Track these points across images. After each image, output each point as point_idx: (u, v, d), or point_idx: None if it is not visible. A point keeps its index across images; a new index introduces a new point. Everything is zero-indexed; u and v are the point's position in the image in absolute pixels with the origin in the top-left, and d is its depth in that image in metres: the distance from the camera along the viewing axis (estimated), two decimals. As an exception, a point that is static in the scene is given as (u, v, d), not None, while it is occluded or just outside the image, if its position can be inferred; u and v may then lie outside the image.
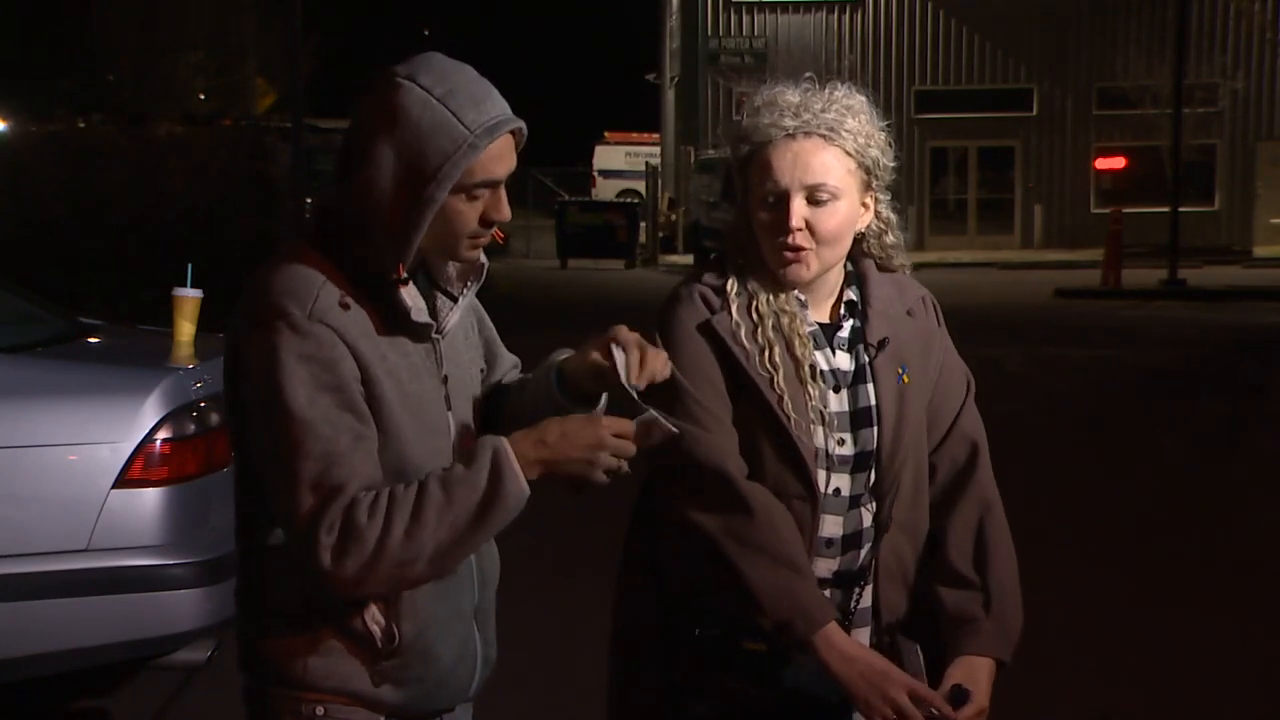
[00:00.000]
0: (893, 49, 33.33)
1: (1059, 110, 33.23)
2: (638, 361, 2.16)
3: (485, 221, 2.13)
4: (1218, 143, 32.50)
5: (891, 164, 2.45)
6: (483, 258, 2.23)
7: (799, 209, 2.35)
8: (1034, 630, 5.94)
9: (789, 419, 2.37)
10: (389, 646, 2.13)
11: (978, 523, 2.52)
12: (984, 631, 2.44)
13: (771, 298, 2.42)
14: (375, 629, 2.12)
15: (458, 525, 2.02)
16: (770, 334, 2.40)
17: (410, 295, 2.13)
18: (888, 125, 2.46)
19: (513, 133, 2.12)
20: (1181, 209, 24.12)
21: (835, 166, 2.37)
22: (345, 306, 2.09)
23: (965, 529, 2.51)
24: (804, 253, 2.37)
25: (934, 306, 2.58)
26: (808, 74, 2.46)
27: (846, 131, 2.38)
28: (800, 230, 2.35)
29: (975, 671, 2.41)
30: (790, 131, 2.37)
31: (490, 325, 2.45)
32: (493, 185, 2.11)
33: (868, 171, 2.42)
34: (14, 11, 27.81)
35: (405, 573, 2.03)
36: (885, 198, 2.49)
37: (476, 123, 2.05)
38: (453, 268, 2.25)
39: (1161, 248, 23.76)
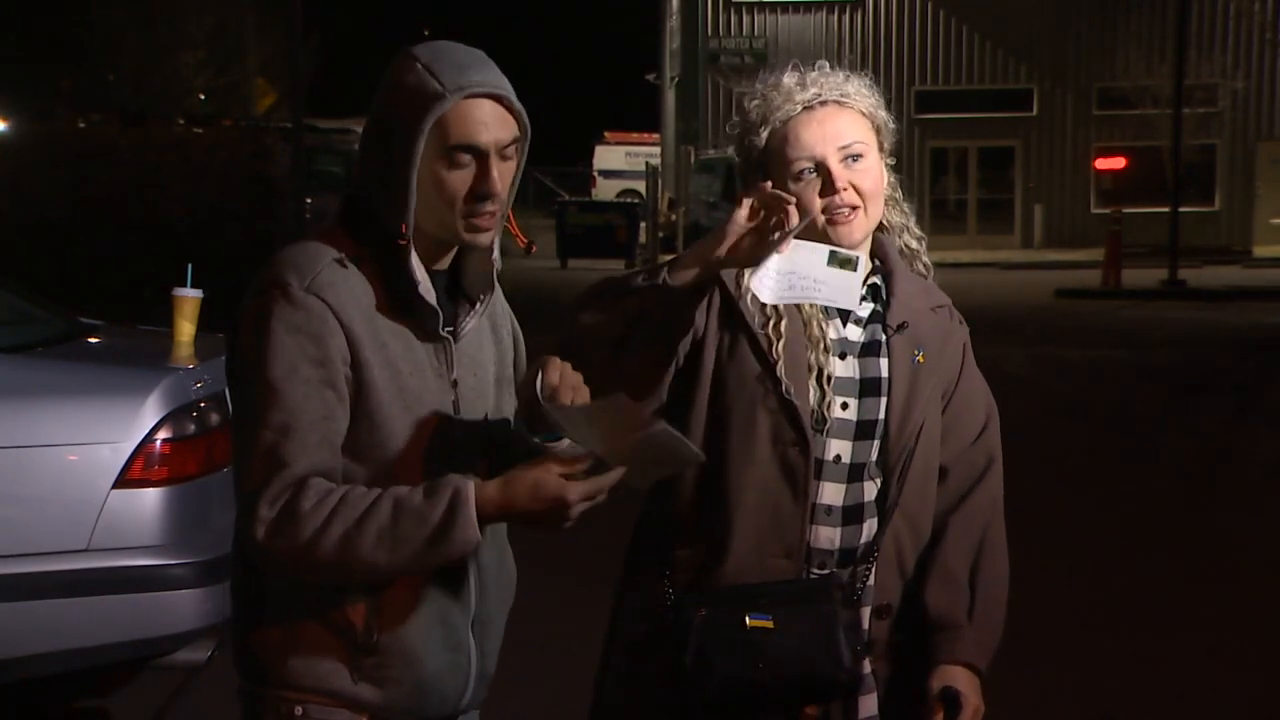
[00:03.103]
0: (893, 49, 33.33)
1: (1059, 110, 33.24)
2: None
3: (475, 194, 2.12)
4: (1218, 143, 32.50)
5: (893, 125, 2.53)
6: (497, 259, 2.23)
7: (840, 171, 2.41)
8: (1034, 630, 5.94)
9: (778, 361, 2.39)
10: (367, 643, 2.13)
11: (982, 529, 2.55)
12: (964, 639, 2.47)
13: None
14: (356, 625, 2.12)
15: (397, 552, 2.02)
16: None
17: (421, 273, 2.14)
18: (873, 80, 2.52)
19: (506, 107, 2.13)
20: (1181, 209, 24.12)
21: (858, 124, 2.45)
22: (343, 265, 2.11)
23: (970, 531, 2.54)
24: (855, 210, 2.42)
25: (959, 319, 2.61)
26: (792, 60, 2.51)
27: (857, 95, 2.47)
28: (846, 189, 2.40)
29: (956, 679, 2.45)
30: (808, 103, 2.43)
31: (523, 355, 2.42)
32: (475, 152, 2.11)
33: (879, 132, 2.49)
34: (14, 11, 27.82)
35: (334, 574, 2.05)
36: (894, 179, 2.54)
37: (452, 81, 2.09)
38: (472, 274, 2.24)
39: (1161, 248, 23.75)
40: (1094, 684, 5.40)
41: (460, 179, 2.11)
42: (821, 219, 2.40)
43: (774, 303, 2.31)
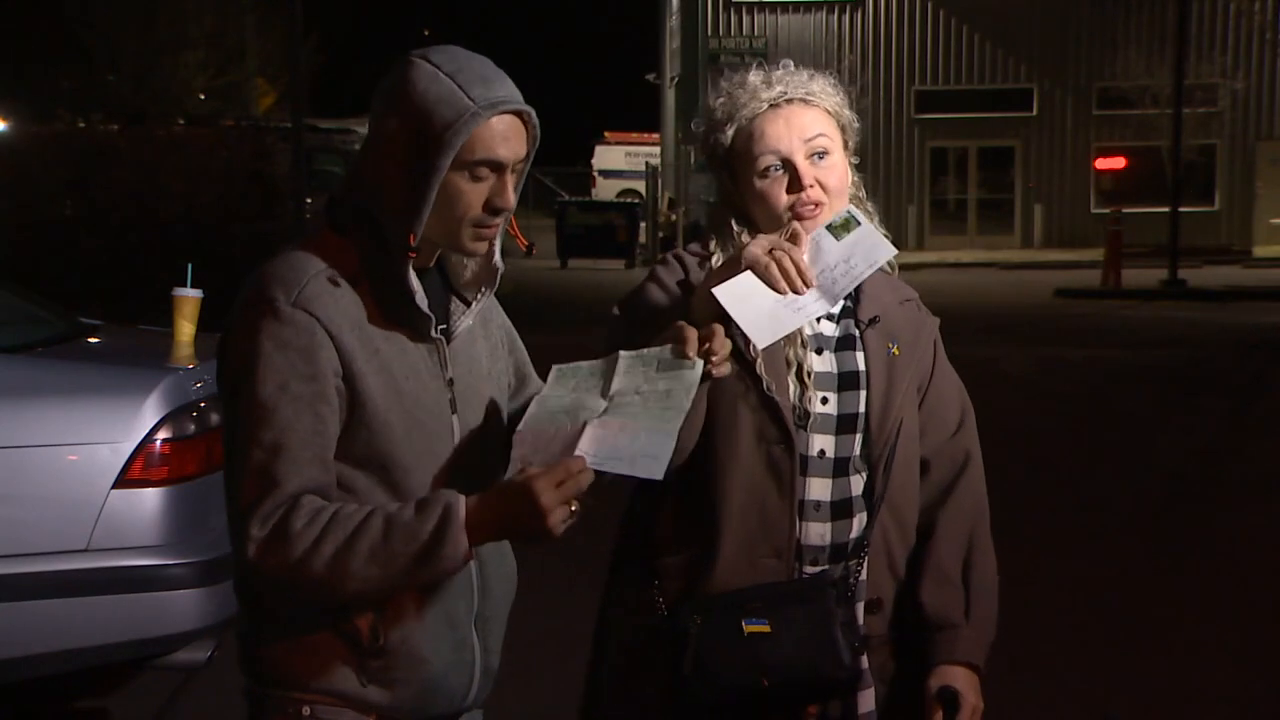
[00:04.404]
0: (893, 49, 33.34)
1: (1059, 110, 33.24)
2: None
3: (490, 208, 2.12)
4: (1218, 143, 32.51)
5: (857, 124, 2.53)
6: (499, 262, 2.23)
7: (806, 167, 2.41)
8: (1034, 630, 5.91)
9: (757, 358, 2.39)
10: (374, 646, 2.13)
11: (971, 526, 2.55)
12: (962, 638, 2.48)
13: None
14: (361, 628, 2.13)
15: (389, 569, 2.01)
16: None
17: (416, 281, 2.13)
18: (836, 76, 2.53)
19: (524, 122, 2.13)
20: (1181, 209, 24.14)
21: (823, 121, 2.45)
22: (335, 283, 2.10)
23: (960, 529, 2.54)
24: (820, 207, 2.42)
25: (927, 312, 2.61)
26: (757, 60, 2.52)
27: (822, 93, 2.47)
28: (813, 186, 2.41)
29: (955, 679, 2.45)
30: (773, 101, 2.44)
31: (521, 348, 2.44)
32: (495, 167, 2.11)
33: (843, 130, 2.49)
34: (15, 11, 27.84)
35: (327, 592, 2.04)
36: (858, 178, 2.55)
37: (482, 97, 2.08)
38: (469, 272, 2.25)
39: (1161, 248, 23.78)
40: (1094, 684, 5.40)
41: (478, 193, 2.11)
42: (788, 216, 2.41)
43: (836, 306, 2.32)
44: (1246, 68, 32.54)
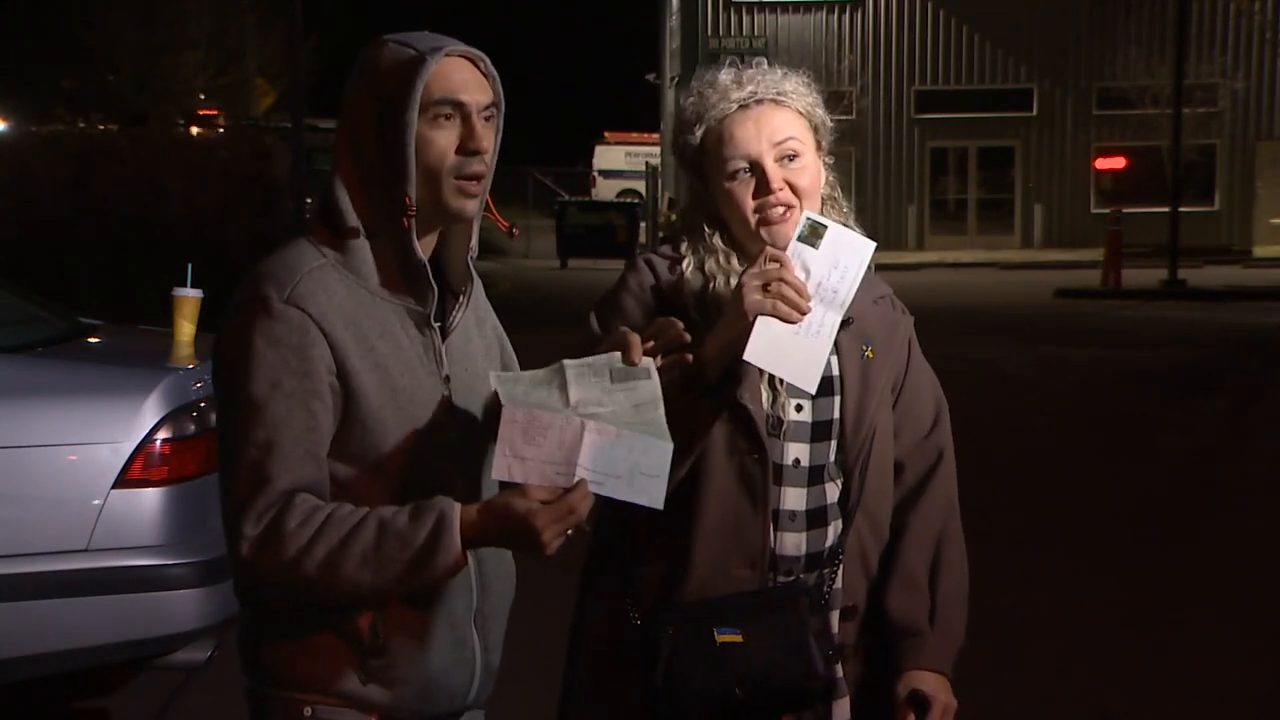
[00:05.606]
0: (893, 49, 33.35)
1: (1059, 110, 33.27)
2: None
3: (463, 150, 2.12)
4: (1218, 143, 32.55)
5: (831, 124, 2.48)
6: (474, 250, 2.23)
7: (775, 170, 2.37)
8: (1034, 630, 5.90)
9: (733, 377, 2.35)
10: (375, 645, 2.14)
11: (940, 527, 2.53)
12: (927, 644, 2.46)
13: (729, 276, 2.41)
14: (362, 627, 2.13)
15: (381, 574, 2.00)
16: (721, 295, 2.38)
17: (419, 248, 2.13)
18: (808, 78, 2.49)
19: (482, 72, 2.15)
20: (1181, 209, 24.17)
21: (794, 123, 2.41)
22: (333, 270, 2.09)
23: (928, 531, 2.52)
24: (790, 210, 2.37)
25: (902, 308, 2.58)
26: (729, 59, 2.48)
27: (794, 93, 2.43)
28: (782, 189, 2.37)
29: (922, 683, 2.43)
30: (743, 101, 2.40)
31: (510, 352, 2.43)
32: (456, 106, 2.12)
33: (816, 131, 2.45)
34: (15, 11, 27.86)
35: (319, 593, 2.03)
36: (833, 178, 2.51)
37: (429, 45, 2.12)
38: (454, 268, 2.24)
39: (1161, 248, 23.81)
40: (1094, 684, 5.40)
41: (447, 138, 2.12)
42: (754, 219, 2.38)
43: (847, 310, 2.28)
44: (1246, 68, 32.57)
